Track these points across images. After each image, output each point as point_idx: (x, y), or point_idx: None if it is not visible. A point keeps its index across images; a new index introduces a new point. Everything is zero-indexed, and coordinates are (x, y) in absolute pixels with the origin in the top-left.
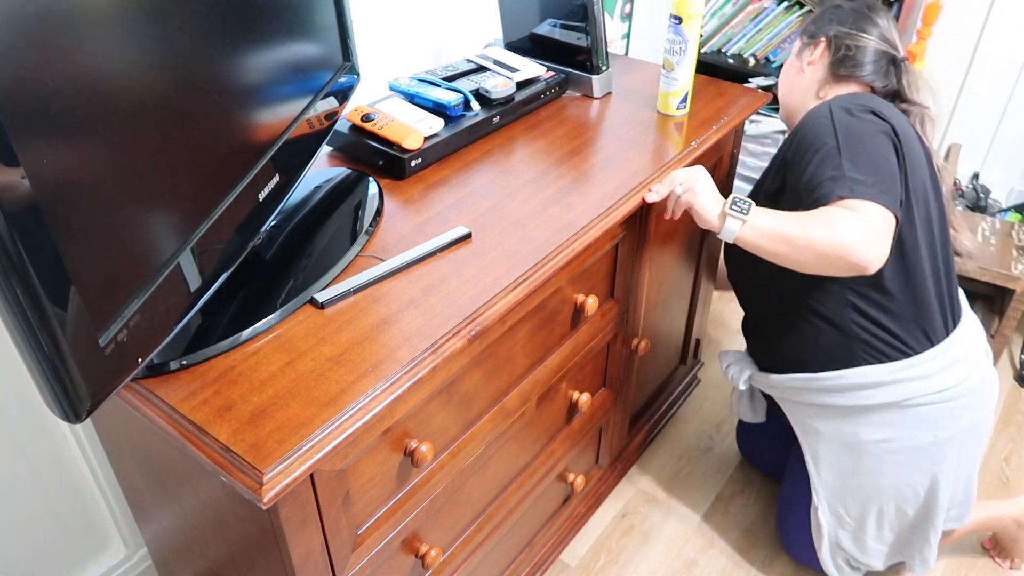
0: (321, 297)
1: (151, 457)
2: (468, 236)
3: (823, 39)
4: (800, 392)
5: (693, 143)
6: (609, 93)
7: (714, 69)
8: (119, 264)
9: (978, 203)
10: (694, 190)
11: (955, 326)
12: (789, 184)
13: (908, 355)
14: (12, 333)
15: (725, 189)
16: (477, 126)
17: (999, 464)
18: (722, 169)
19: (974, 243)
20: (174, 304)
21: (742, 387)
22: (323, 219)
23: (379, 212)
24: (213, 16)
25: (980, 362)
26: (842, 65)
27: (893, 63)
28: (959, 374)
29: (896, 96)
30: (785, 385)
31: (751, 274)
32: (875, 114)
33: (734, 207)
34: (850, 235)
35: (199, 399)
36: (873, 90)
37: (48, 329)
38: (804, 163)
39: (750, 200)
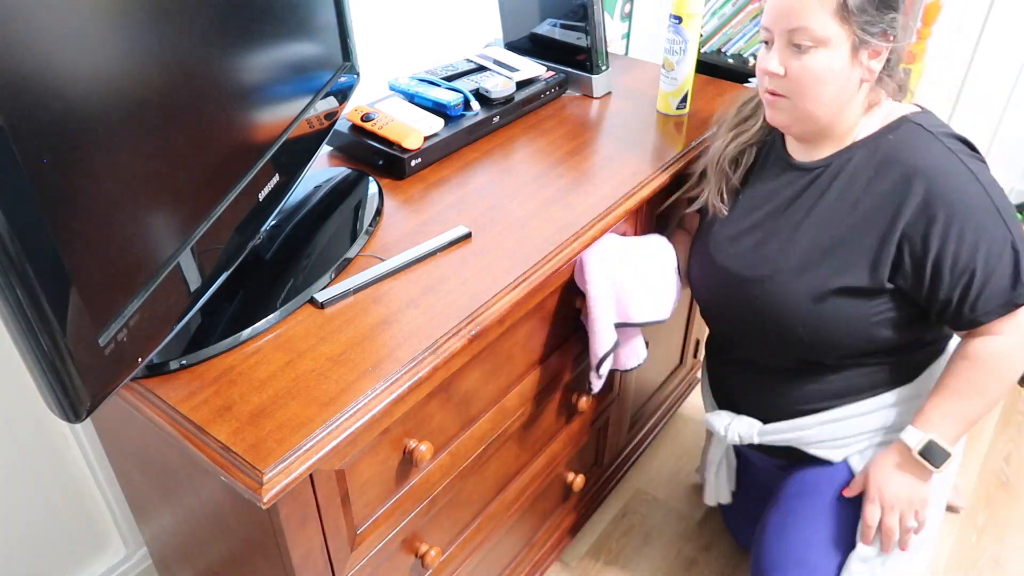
0: (321, 297)
1: (151, 457)
2: (468, 236)
3: (888, 29)
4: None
5: (693, 143)
6: (609, 93)
7: (714, 69)
8: (119, 264)
9: None
10: (912, 501)
11: None
12: (911, 266)
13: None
14: (12, 333)
15: None
16: (477, 126)
17: (999, 464)
18: None
19: None
20: (174, 304)
21: (756, 440)
22: (323, 219)
23: (379, 212)
24: (213, 16)
25: None
26: (891, 63)
27: None
28: None
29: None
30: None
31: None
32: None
33: (932, 459)
34: None
35: (199, 399)
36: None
37: (48, 329)
38: (956, 250)
39: (931, 440)
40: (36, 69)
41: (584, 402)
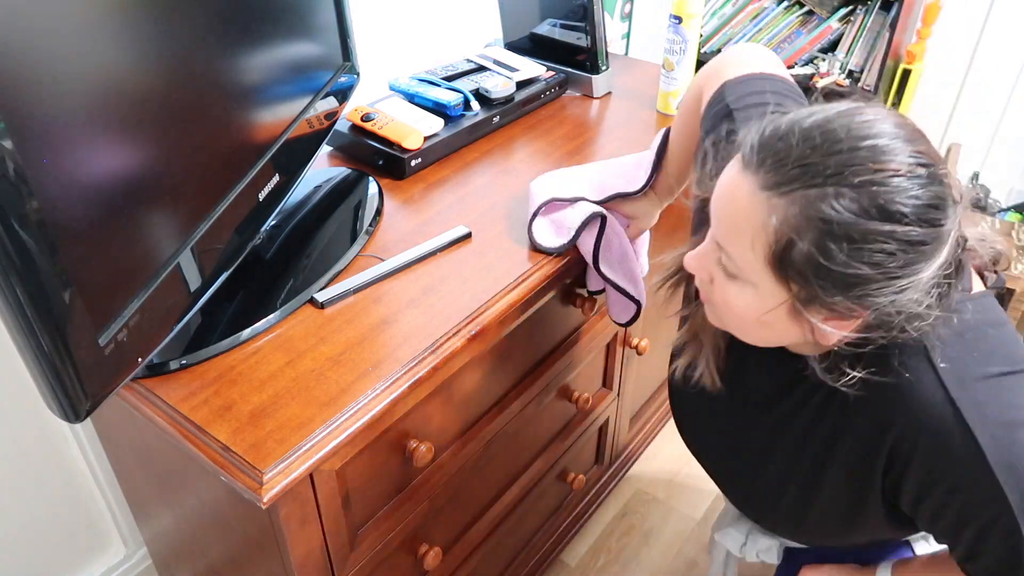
0: (321, 297)
1: (151, 457)
2: (468, 236)
3: (859, 311)
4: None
5: None
6: (609, 93)
7: None
8: (119, 264)
9: (978, 203)
10: None
11: None
12: (888, 500)
13: None
14: (12, 333)
15: None
16: (477, 126)
17: None
18: None
19: None
20: (174, 304)
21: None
22: (323, 219)
23: (379, 212)
24: (213, 16)
25: None
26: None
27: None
28: None
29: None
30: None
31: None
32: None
33: None
34: None
35: (199, 399)
36: None
37: (48, 329)
38: (934, 514)
39: None
40: (36, 69)
41: (584, 401)
